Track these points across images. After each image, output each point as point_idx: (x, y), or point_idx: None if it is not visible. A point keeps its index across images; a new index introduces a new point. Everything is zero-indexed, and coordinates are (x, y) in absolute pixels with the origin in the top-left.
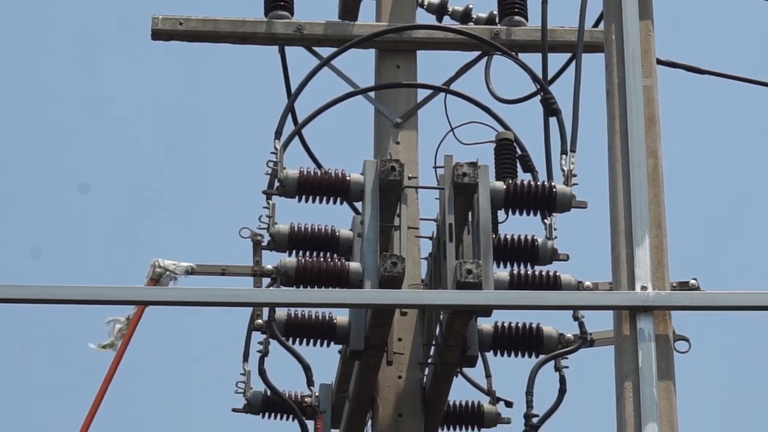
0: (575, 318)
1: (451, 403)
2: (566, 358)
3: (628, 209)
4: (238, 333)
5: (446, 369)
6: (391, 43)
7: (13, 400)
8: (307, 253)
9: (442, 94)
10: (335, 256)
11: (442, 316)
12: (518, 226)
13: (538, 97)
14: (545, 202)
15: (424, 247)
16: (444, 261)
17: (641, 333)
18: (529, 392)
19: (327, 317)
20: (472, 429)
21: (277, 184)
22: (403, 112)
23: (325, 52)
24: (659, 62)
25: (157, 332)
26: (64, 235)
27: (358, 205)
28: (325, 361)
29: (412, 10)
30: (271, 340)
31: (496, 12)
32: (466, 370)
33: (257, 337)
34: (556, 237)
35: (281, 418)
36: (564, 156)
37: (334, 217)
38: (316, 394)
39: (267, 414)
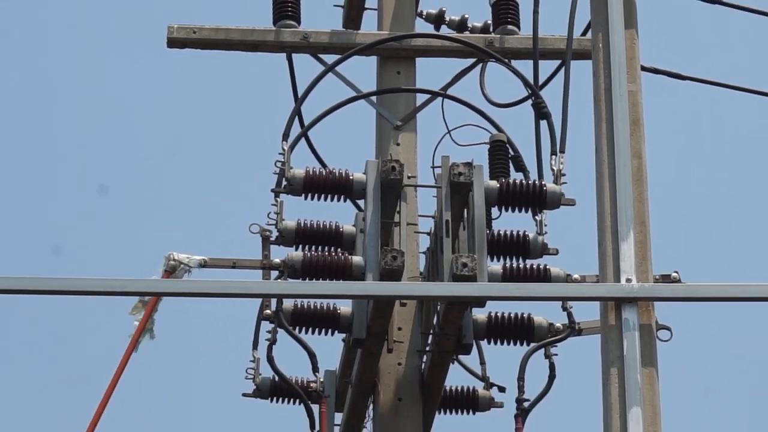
0: (564, 308)
1: (447, 388)
2: (555, 346)
3: (613, 206)
4: (247, 323)
5: (443, 356)
6: (391, 51)
7: (36, 390)
8: (313, 248)
9: (440, 99)
10: (339, 250)
11: (439, 307)
12: (511, 222)
13: (530, 102)
14: (536, 199)
15: (423, 242)
16: (441, 255)
17: (626, 323)
18: (521, 378)
19: (331, 308)
20: (467, 412)
21: (284, 182)
22: (403, 115)
23: (330, 59)
24: (643, 69)
25: (171, 322)
26: (83, 234)
27: (361, 202)
28: (330, 348)
29: (412, 19)
30: (278, 329)
31: (490, 21)
32: (461, 357)
33: (266, 326)
34: (546, 232)
35: (288, 402)
36: (554, 156)
37: (338, 213)
38: (321, 379)
39: (275, 398)
